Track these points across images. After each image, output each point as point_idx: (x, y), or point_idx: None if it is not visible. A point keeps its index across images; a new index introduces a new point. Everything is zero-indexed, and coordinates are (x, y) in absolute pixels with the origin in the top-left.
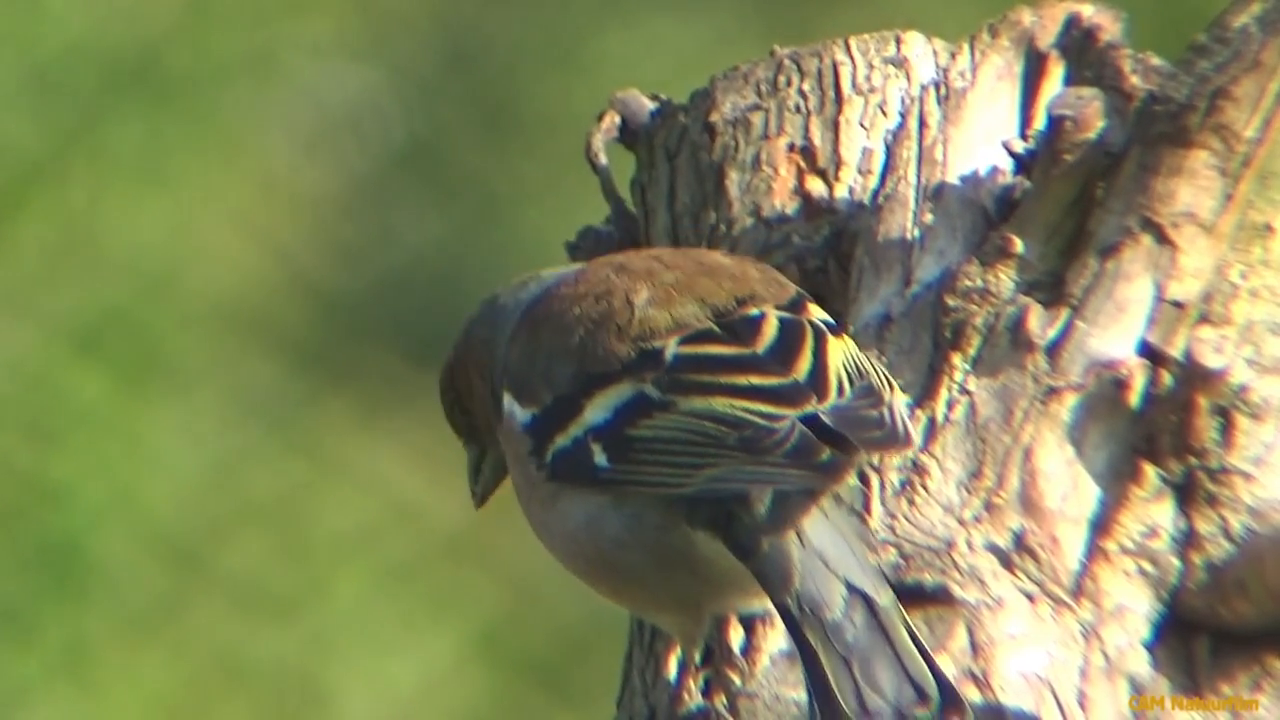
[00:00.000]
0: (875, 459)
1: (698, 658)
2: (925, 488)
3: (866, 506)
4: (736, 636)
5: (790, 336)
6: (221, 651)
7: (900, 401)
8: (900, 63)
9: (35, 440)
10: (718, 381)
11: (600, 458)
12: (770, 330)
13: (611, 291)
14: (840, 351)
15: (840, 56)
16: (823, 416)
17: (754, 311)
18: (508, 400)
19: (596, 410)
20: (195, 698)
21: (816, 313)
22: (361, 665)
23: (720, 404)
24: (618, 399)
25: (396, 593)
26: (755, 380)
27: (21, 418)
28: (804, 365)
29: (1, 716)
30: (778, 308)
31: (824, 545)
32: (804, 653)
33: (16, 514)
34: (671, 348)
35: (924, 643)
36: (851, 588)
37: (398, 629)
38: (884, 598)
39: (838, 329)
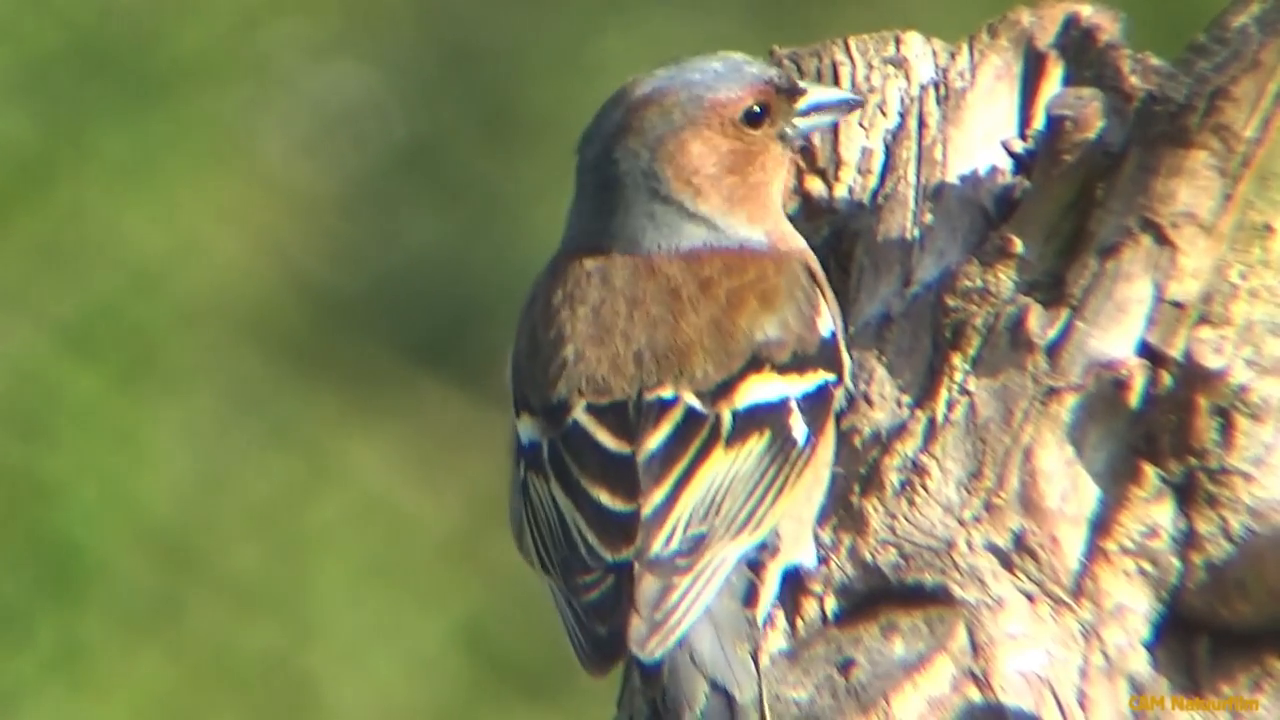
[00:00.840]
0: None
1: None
2: (925, 488)
3: (752, 598)
4: None
5: (676, 445)
6: (216, 649)
7: (734, 555)
8: (899, 63)
9: (29, 439)
10: (579, 481)
11: (522, 475)
12: (665, 428)
13: (564, 336)
14: (713, 470)
15: (839, 56)
16: (636, 567)
17: (668, 394)
18: None
19: (524, 429)
20: (190, 696)
21: (747, 395)
22: (352, 661)
23: (567, 509)
24: (532, 434)
25: (389, 591)
26: (604, 499)
27: (15, 416)
28: (661, 490)
29: None
30: (699, 392)
31: (698, 643)
32: None
33: (11, 513)
34: (577, 410)
35: None
36: (715, 686)
37: (389, 625)
38: (745, 697)
39: (754, 424)
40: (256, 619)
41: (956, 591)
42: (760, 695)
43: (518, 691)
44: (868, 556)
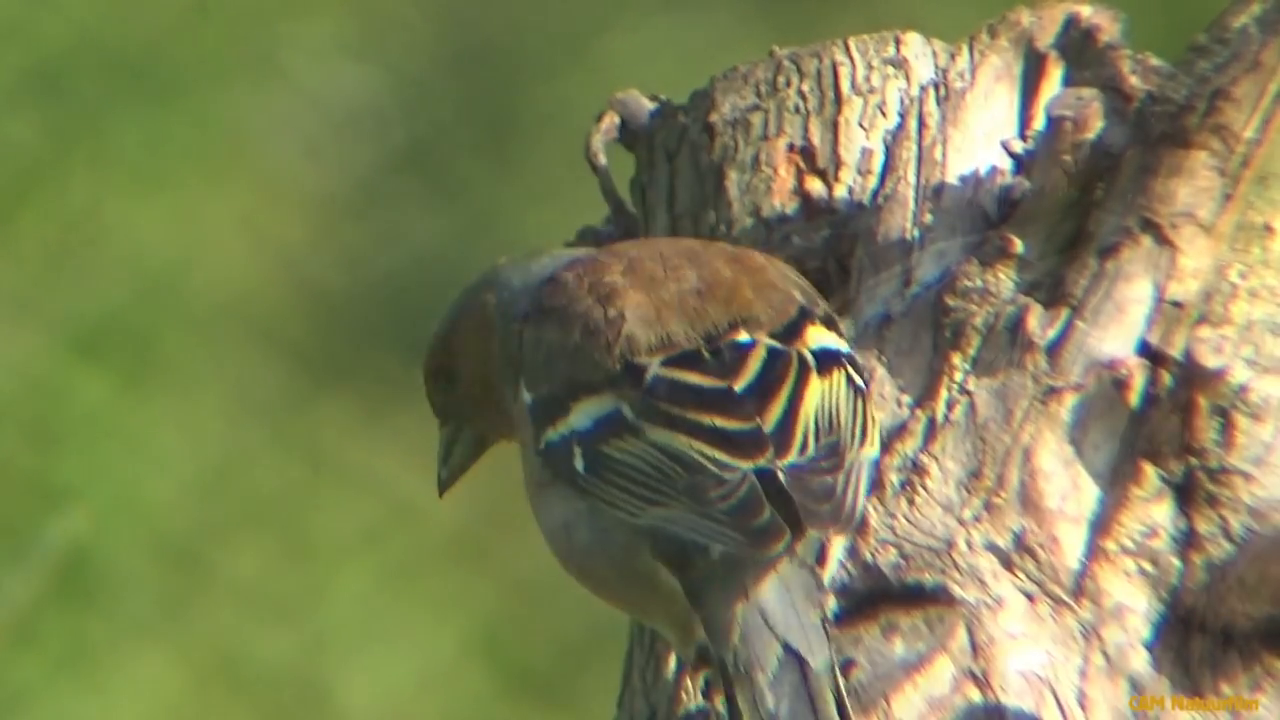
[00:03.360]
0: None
1: (691, 656)
2: (925, 487)
3: (822, 558)
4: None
5: (771, 374)
6: (224, 652)
7: (867, 460)
8: (899, 63)
9: (38, 443)
10: (684, 416)
11: (579, 463)
12: (754, 364)
13: (611, 296)
14: (819, 395)
15: (839, 57)
16: (779, 473)
17: (744, 338)
18: (522, 381)
19: (580, 416)
20: (198, 699)
21: (814, 338)
22: (362, 665)
23: (680, 441)
24: (599, 410)
25: (397, 593)
26: (719, 422)
27: (23, 420)
28: (775, 411)
29: (4, 718)
30: (772, 335)
31: (769, 603)
32: (731, 711)
33: (19, 515)
34: (654, 368)
35: (849, 713)
36: (789, 649)
37: (399, 629)
38: (818, 662)
39: (831, 361)
40: (266, 623)
41: (956, 591)
42: (832, 661)
43: (531, 695)
44: (868, 556)
